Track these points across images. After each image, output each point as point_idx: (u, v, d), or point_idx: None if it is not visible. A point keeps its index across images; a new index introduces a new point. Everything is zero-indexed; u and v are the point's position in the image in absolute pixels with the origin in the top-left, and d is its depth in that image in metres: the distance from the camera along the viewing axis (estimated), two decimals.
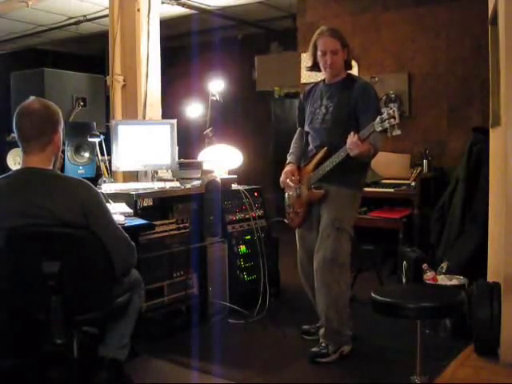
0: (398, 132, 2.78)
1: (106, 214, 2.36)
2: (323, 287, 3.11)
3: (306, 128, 3.29)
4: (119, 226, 2.43)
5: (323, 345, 3.11)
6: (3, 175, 2.33)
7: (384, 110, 2.81)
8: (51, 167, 2.34)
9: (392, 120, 2.75)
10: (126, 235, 2.42)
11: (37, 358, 2.37)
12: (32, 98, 2.35)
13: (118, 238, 2.36)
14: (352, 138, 2.89)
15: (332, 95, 3.16)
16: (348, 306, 3.16)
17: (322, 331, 3.16)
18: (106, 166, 3.87)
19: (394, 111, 2.74)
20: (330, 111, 3.14)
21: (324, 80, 3.26)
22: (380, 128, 2.80)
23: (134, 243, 2.45)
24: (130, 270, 2.54)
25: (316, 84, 3.33)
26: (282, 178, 3.32)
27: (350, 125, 3.01)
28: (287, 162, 3.37)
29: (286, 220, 3.42)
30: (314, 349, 3.12)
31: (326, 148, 3.11)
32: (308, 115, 3.27)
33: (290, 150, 3.42)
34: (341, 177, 3.07)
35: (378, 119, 2.80)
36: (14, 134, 2.35)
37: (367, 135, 2.88)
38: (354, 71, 5.57)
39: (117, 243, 2.33)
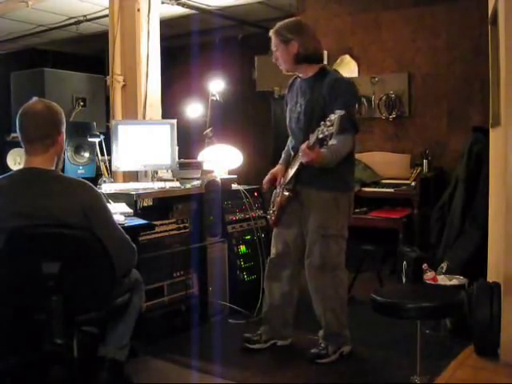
0: (332, 142, 2.60)
1: (107, 216, 2.37)
2: (317, 293, 3.09)
3: (288, 127, 3.21)
4: (120, 228, 2.43)
5: (322, 345, 3.09)
6: (4, 175, 2.33)
7: (331, 115, 2.60)
8: (53, 168, 2.34)
9: (331, 128, 2.58)
10: (127, 236, 2.42)
11: (37, 358, 2.37)
12: (35, 98, 2.35)
13: (118, 239, 2.37)
14: (303, 145, 2.80)
15: (305, 92, 3.04)
16: (346, 306, 3.13)
17: (321, 333, 3.14)
18: (106, 166, 3.87)
19: (335, 118, 2.56)
20: (303, 110, 3.02)
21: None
22: (321, 135, 2.64)
23: (134, 244, 2.46)
24: (131, 270, 2.54)
25: (296, 78, 3.21)
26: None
27: None
28: (279, 162, 3.35)
29: (268, 216, 3.42)
30: (314, 350, 3.10)
31: (299, 154, 2.97)
32: (288, 113, 3.18)
33: (284, 149, 3.38)
34: (319, 179, 2.99)
35: (321, 125, 2.65)
36: (16, 134, 2.34)
37: (312, 141, 2.73)
38: (354, 71, 5.60)
39: (117, 244, 2.33)
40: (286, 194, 3.12)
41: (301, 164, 2.94)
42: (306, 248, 3.09)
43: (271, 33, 3.07)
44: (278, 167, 3.29)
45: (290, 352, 3.26)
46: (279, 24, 3.08)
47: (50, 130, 2.29)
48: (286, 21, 3.11)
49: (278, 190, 3.25)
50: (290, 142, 3.30)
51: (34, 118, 2.27)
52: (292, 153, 3.18)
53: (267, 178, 3.30)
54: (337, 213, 3.03)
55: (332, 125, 2.58)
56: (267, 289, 3.31)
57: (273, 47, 3.09)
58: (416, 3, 5.31)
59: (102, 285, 2.28)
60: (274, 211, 3.25)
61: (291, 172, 3.08)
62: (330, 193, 3.01)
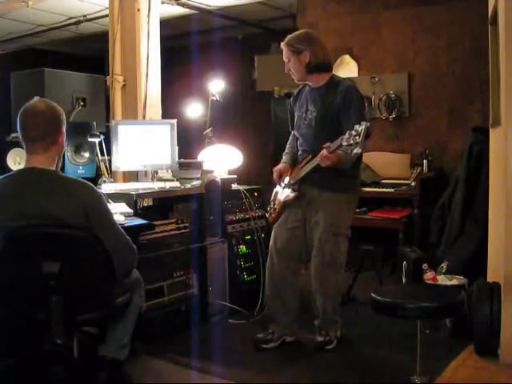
0: (357, 150, 2.71)
1: (108, 217, 2.37)
2: (322, 287, 3.22)
3: (295, 132, 3.33)
4: (121, 229, 2.43)
5: (324, 333, 3.25)
6: (6, 175, 2.33)
7: (357, 126, 2.72)
8: (54, 168, 2.34)
9: (357, 137, 2.69)
10: (128, 238, 2.42)
11: (37, 358, 2.37)
12: (37, 98, 2.35)
13: (119, 240, 2.37)
14: (322, 152, 2.90)
15: (316, 100, 3.17)
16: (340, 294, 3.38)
17: (317, 322, 3.29)
18: (106, 166, 3.87)
19: (361, 129, 2.67)
20: (315, 117, 3.15)
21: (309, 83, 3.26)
22: (346, 143, 2.75)
23: (134, 245, 2.46)
24: (131, 271, 2.54)
25: (303, 87, 3.32)
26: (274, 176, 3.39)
27: (335, 129, 3.01)
28: (282, 161, 3.41)
29: (267, 214, 3.53)
30: (320, 338, 3.24)
31: (310, 156, 3.14)
32: (296, 120, 3.30)
33: (285, 151, 3.46)
34: (334, 182, 3.11)
35: (347, 134, 2.75)
36: (17, 134, 2.34)
37: (334, 148, 2.86)
38: (354, 71, 5.61)
39: (118, 245, 2.33)
40: (293, 194, 3.21)
41: (316, 165, 3.02)
42: (315, 246, 3.18)
43: (283, 45, 3.18)
44: (284, 165, 3.36)
45: (291, 350, 3.26)
46: (289, 36, 3.19)
47: (52, 129, 2.30)
48: (296, 32, 3.23)
49: (280, 188, 3.34)
50: (293, 144, 3.39)
51: (36, 116, 2.28)
52: (301, 155, 3.26)
53: (277, 170, 3.34)
54: (346, 213, 3.21)
55: (358, 134, 2.68)
56: (272, 286, 3.33)
57: (285, 59, 3.19)
58: (416, 3, 5.31)
59: (102, 285, 2.28)
60: (274, 209, 3.34)
61: (302, 173, 3.17)
62: (342, 194, 3.16)
